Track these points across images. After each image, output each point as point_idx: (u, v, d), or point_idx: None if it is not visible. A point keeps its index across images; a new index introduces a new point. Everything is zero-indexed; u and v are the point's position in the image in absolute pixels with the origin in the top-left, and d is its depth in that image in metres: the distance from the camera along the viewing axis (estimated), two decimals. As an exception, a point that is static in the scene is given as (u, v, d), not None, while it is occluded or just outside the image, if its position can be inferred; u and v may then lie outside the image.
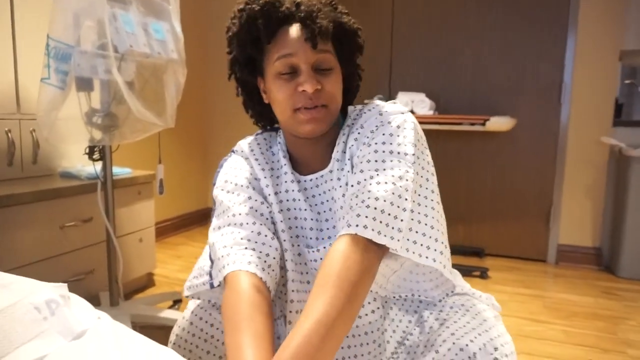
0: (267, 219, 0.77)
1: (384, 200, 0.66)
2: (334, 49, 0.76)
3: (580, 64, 2.63)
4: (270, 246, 0.73)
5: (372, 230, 0.64)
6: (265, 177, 0.80)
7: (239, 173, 0.81)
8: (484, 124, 2.39)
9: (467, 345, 0.65)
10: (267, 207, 0.79)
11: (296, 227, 0.80)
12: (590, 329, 1.92)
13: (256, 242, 0.72)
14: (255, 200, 0.78)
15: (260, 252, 0.71)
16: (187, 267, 2.57)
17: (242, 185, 0.79)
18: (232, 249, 0.71)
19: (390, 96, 3.01)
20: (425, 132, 2.89)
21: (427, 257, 0.69)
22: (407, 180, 0.69)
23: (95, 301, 1.84)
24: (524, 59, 2.74)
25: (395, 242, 0.66)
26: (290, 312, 0.77)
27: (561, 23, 2.65)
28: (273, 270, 0.71)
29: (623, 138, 2.55)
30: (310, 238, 0.79)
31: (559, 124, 2.72)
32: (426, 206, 0.71)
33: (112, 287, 1.71)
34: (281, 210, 0.80)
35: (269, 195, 0.80)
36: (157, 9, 1.51)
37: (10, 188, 1.59)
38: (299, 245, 0.79)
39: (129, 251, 2.07)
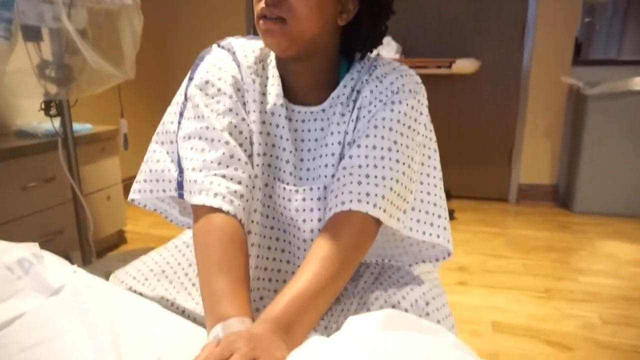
0: (245, 138, 0.70)
1: (402, 184, 0.66)
2: None
3: (543, 2, 2.64)
4: (243, 172, 0.66)
5: (389, 214, 0.64)
6: (254, 90, 0.72)
7: (224, 76, 0.71)
8: (449, 67, 2.40)
9: (399, 302, 0.66)
10: (248, 125, 0.71)
11: (271, 155, 0.73)
12: (547, 260, 2.07)
13: (227, 167, 0.65)
14: (237, 114, 0.69)
15: (231, 179, 0.65)
16: (158, 222, 2.56)
17: (225, 93, 0.70)
18: (201, 173, 0.65)
19: (356, 41, 2.95)
20: (392, 77, 2.87)
21: (430, 234, 0.70)
22: (416, 162, 0.70)
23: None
24: None
25: (400, 224, 0.67)
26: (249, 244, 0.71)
27: (526, -39, 2.62)
28: (246, 200, 0.66)
29: (582, 77, 2.63)
30: (284, 171, 0.73)
31: (522, 64, 2.76)
32: (429, 184, 0.72)
33: (83, 246, 1.70)
34: (262, 132, 0.72)
35: (253, 111, 0.71)
36: (105, -51, 1.39)
37: (-38, 149, 1.51)
38: (268, 176, 0.73)
39: (97, 209, 2.04)
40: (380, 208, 0.64)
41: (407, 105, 0.69)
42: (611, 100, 2.48)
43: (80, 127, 1.96)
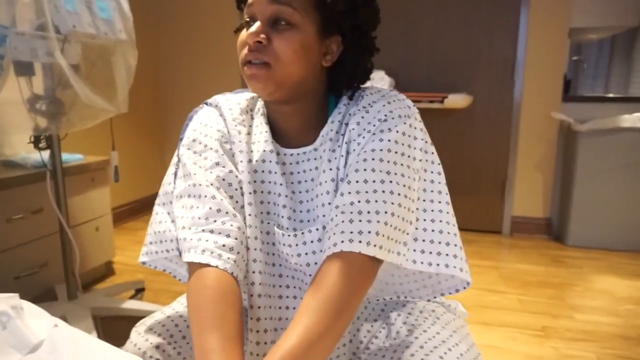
0: (235, 189, 0.69)
1: (398, 216, 0.62)
2: (317, 6, 0.66)
3: (532, 41, 2.70)
4: (232, 225, 0.66)
5: (386, 250, 0.61)
6: (240, 141, 0.72)
7: (210, 132, 0.72)
8: (442, 102, 2.43)
9: None
10: (237, 176, 0.70)
11: (268, 202, 0.72)
12: (542, 296, 2.04)
13: (215, 221, 0.65)
14: (224, 167, 0.69)
15: (220, 233, 0.64)
16: (147, 253, 2.51)
17: (211, 148, 0.70)
18: (190, 230, 0.65)
19: (350, 74, 2.99)
20: (386, 109, 2.90)
21: (438, 265, 0.65)
22: (414, 190, 0.66)
23: (51, 295, 1.77)
24: (480, 35, 2.79)
25: (401, 257, 0.63)
26: (252, 295, 0.70)
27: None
28: (238, 253, 0.65)
29: (571, 113, 2.67)
30: (282, 217, 0.71)
31: (513, 99, 2.80)
32: (432, 210, 0.67)
33: (68, 279, 1.65)
34: (255, 181, 0.72)
35: (241, 162, 0.71)
36: (102, -15, 1.41)
37: (-53, 181, 1.47)
38: (268, 223, 0.72)
39: (85, 240, 1.99)
40: (375, 245, 0.60)
41: (397, 132, 0.66)
42: (601, 136, 2.51)
43: (71, 157, 1.94)
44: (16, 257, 1.66)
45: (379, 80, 2.57)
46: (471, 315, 1.85)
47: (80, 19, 1.29)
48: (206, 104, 0.78)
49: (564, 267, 2.39)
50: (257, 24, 0.64)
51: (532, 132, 2.80)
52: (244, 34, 0.67)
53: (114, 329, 1.69)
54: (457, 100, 2.44)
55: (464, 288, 0.72)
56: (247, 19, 0.67)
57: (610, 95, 3.22)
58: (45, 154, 1.57)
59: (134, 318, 1.74)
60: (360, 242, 0.59)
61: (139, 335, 0.72)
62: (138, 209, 3.15)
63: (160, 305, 1.78)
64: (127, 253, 2.49)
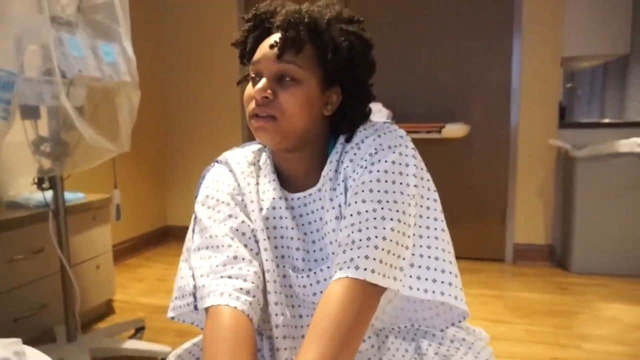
0: (249, 238, 0.73)
1: (390, 240, 0.64)
2: (319, 62, 0.71)
3: (526, 69, 2.76)
4: (248, 270, 0.68)
5: (378, 273, 0.61)
6: (250, 192, 0.76)
7: (221, 187, 0.77)
8: (439, 132, 2.46)
9: None
10: (250, 225, 0.74)
11: (282, 247, 0.76)
12: (549, 325, 2.01)
13: (232, 267, 0.68)
14: (236, 218, 0.73)
15: (237, 278, 0.67)
16: (148, 290, 2.48)
17: (223, 202, 0.74)
18: (209, 278, 0.68)
19: (348, 106, 3.04)
20: (384, 140, 2.94)
21: (433, 292, 0.66)
22: (409, 215, 0.67)
23: (50, 337, 1.74)
24: (475, 65, 2.85)
25: (398, 283, 0.64)
26: (277, 337, 0.73)
27: (506, 29, 2.77)
28: (254, 296, 0.67)
29: (568, 139, 2.70)
30: (297, 259, 0.75)
31: (509, 127, 2.84)
32: (428, 237, 0.69)
33: (68, 321, 1.63)
34: (267, 227, 0.75)
35: (253, 211, 0.75)
36: (106, 31, 1.45)
37: (-50, 223, 1.48)
38: (284, 267, 0.76)
39: (86, 279, 1.97)
40: (366, 269, 0.60)
41: (387, 162, 0.69)
42: (599, 162, 2.53)
43: (72, 196, 1.95)
44: (16, 299, 1.64)
45: (377, 112, 2.61)
46: (478, 347, 1.82)
47: (86, 63, 1.33)
48: (217, 161, 0.82)
49: (569, 294, 2.37)
50: (264, 80, 0.69)
51: (530, 159, 2.83)
52: (250, 89, 0.72)
53: (115, 370, 1.66)
54: (454, 130, 2.47)
55: (464, 318, 0.72)
56: (253, 75, 0.72)
57: (606, 120, 3.26)
58: (48, 194, 1.58)
59: (133, 358, 1.71)
60: (349, 267, 0.61)
61: None
62: (139, 246, 3.14)
63: (160, 345, 1.76)
64: (127, 291, 2.46)
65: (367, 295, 0.61)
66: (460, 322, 0.74)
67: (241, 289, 0.66)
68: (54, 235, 1.55)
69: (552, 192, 2.83)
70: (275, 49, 0.68)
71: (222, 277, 0.67)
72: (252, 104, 0.70)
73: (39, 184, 1.48)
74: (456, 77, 2.88)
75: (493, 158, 2.89)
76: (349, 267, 0.61)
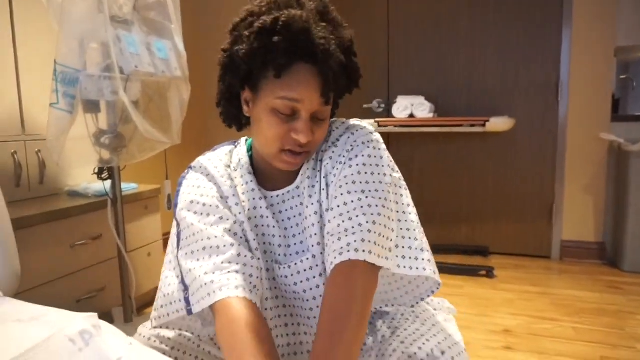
0: (241, 237, 0.76)
1: (380, 224, 0.69)
2: (334, 89, 0.73)
3: (576, 62, 2.66)
4: (252, 266, 0.72)
5: (374, 254, 0.66)
6: (233, 195, 0.78)
7: (205, 192, 0.77)
8: (484, 125, 2.41)
9: (415, 353, 0.68)
10: (240, 226, 0.77)
11: (264, 243, 0.80)
12: (598, 325, 1.94)
13: (237, 264, 0.70)
14: (228, 219, 0.75)
15: (244, 273, 0.69)
16: (194, 278, 2.58)
17: (211, 206, 0.75)
18: (215, 274, 0.68)
19: (389, 100, 3.03)
20: (426, 134, 2.91)
21: (417, 268, 0.73)
22: (390, 201, 0.72)
23: (107, 318, 1.86)
24: (518, 59, 2.77)
25: (390, 262, 0.70)
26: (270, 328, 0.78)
27: (555, 22, 2.68)
28: (259, 290, 0.71)
29: (621, 133, 2.58)
30: (279, 254, 0.79)
31: (557, 121, 2.74)
32: (406, 220, 0.75)
33: (125, 303, 1.73)
34: (251, 226, 0.78)
35: (239, 213, 0.78)
36: (160, 28, 1.53)
37: (20, 210, 1.60)
38: (267, 261, 0.79)
39: (138, 266, 2.08)
40: (364, 251, 0.66)
41: (364, 156, 0.74)
42: (655, 156, 2.41)
43: (127, 186, 2.06)
44: (78, 282, 1.76)
45: (419, 105, 2.59)
46: (523, 344, 1.79)
47: (141, 59, 1.41)
48: (191, 168, 0.83)
49: (621, 294, 2.27)
50: (306, 122, 0.70)
51: (579, 154, 2.72)
52: (279, 126, 0.70)
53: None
54: (499, 123, 2.41)
55: (437, 289, 0.80)
56: (288, 113, 0.70)
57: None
58: (107, 183, 1.68)
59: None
60: (349, 251, 0.66)
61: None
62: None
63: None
64: (175, 278, 2.57)
65: (369, 274, 0.66)
66: (428, 296, 0.81)
67: (251, 283, 0.70)
68: (112, 222, 1.65)
69: (603, 188, 2.71)
70: (319, 92, 0.69)
71: (229, 272, 0.69)
72: (290, 142, 0.72)
73: (99, 174, 1.58)
74: (499, 72, 2.81)
75: (539, 152, 2.80)
76: (348, 251, 0.66)
